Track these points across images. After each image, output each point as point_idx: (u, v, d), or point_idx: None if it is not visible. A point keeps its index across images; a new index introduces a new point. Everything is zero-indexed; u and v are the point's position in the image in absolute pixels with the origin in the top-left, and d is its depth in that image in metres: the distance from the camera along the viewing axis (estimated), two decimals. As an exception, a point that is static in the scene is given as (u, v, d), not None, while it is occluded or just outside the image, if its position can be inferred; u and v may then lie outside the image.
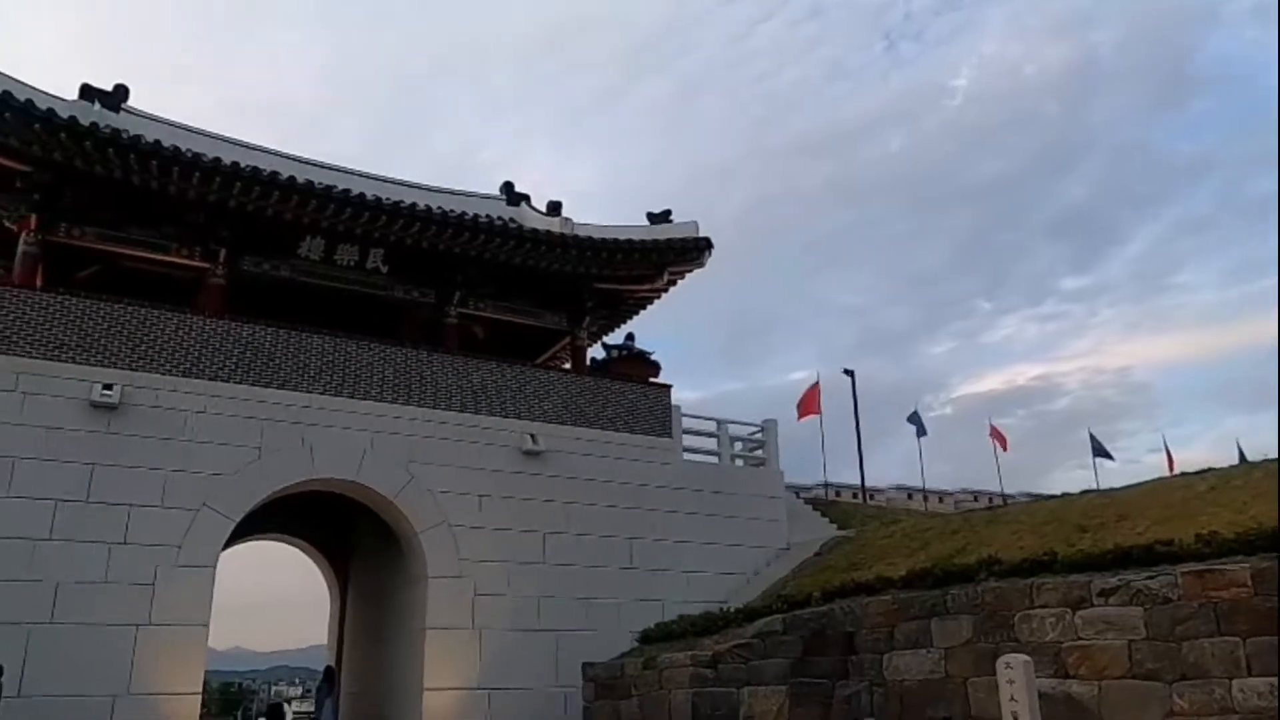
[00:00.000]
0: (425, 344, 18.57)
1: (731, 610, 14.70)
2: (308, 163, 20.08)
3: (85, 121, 15.20)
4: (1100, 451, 33.99)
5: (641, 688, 13.30)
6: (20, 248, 15.68)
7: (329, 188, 16.64)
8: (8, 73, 15.21)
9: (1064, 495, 16.19)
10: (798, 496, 23.28)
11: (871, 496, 35.85)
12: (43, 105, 14.80)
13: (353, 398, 16.66)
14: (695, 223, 20.42)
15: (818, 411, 28.47)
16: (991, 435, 33.62)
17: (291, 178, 16.46)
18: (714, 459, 20.47)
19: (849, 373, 30.00)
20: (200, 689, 14.32)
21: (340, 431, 16.33)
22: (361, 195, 17.01)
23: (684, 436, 20.09)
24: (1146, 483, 14.54)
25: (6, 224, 15.95)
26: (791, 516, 20.52)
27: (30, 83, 15.67)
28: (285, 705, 14.77)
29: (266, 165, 16.78)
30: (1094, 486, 19.76)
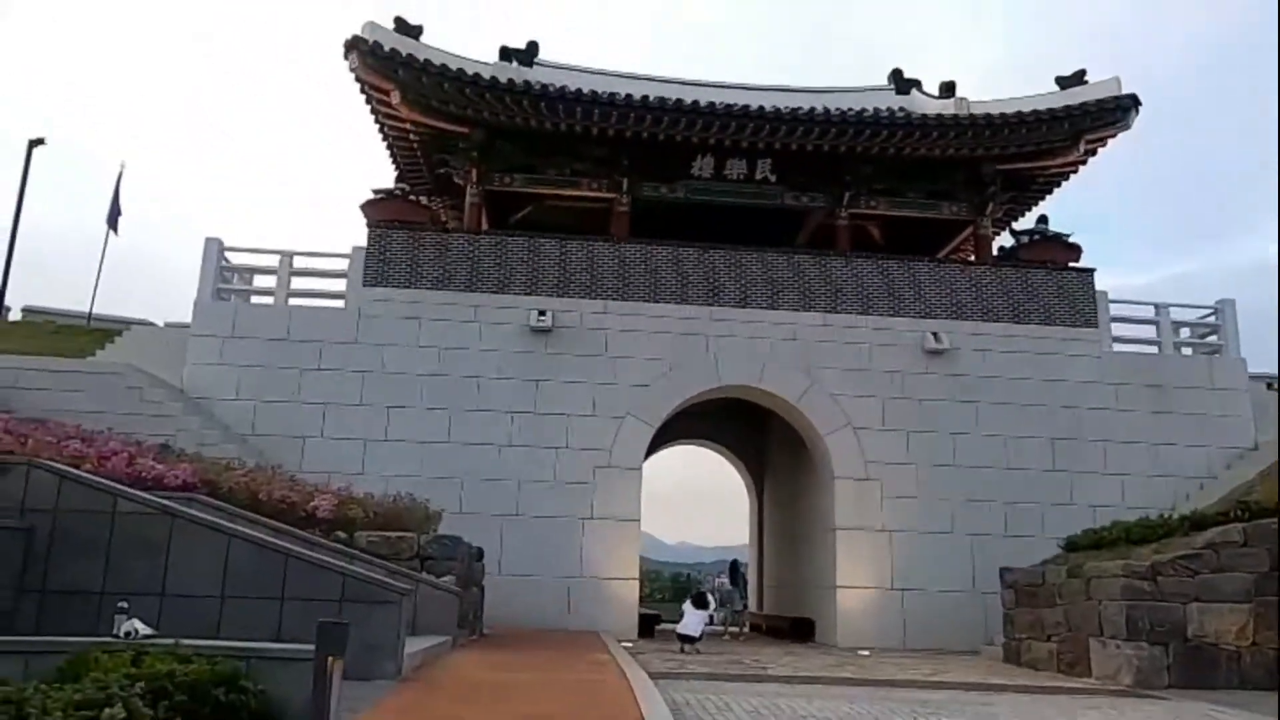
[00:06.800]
0: (817, 249, 18.54)
1: (1175, 518, 12.96)
2: (695, 84, 20.72)
3: (504, 79, 17.16)
4: None
5: (1066, 597, 12.33)
6: (467, 199, 18.30)
7: (711, 104, 17.08)
8: (436, 44, 17.51)
9: None
10: (1270, 388, 19.68)
11: (1382, 386, 29.02)
12: (470, 71, 16.96)
13: (751, 307, 17.22)
14: (1116, 79, 17.79)
15: (1297, 286, 23.64)
16: None
17: (679, 100, 17.14)
18: (1152, 349, 18.03)
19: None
20: (637, 575, 16.11)
21: (741, 341, 17.00)
22: (745, 107, 17.23)
23: (1113, 325, 17.92)
24: None
25: (456, 180, 18.68)
26: (1260, 411, 17.47)
27: (455, 50, 17.92)
28: (708, 595, 16.10)
29: (657, 93, 17.63)
30: None
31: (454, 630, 10.30)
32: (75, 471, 7.56)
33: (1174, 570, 11.19)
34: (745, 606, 19.26)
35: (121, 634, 5.18)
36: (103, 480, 7.62)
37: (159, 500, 7.46)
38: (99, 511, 7.30)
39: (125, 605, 5.79)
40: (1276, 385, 17.92)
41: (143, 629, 5.42)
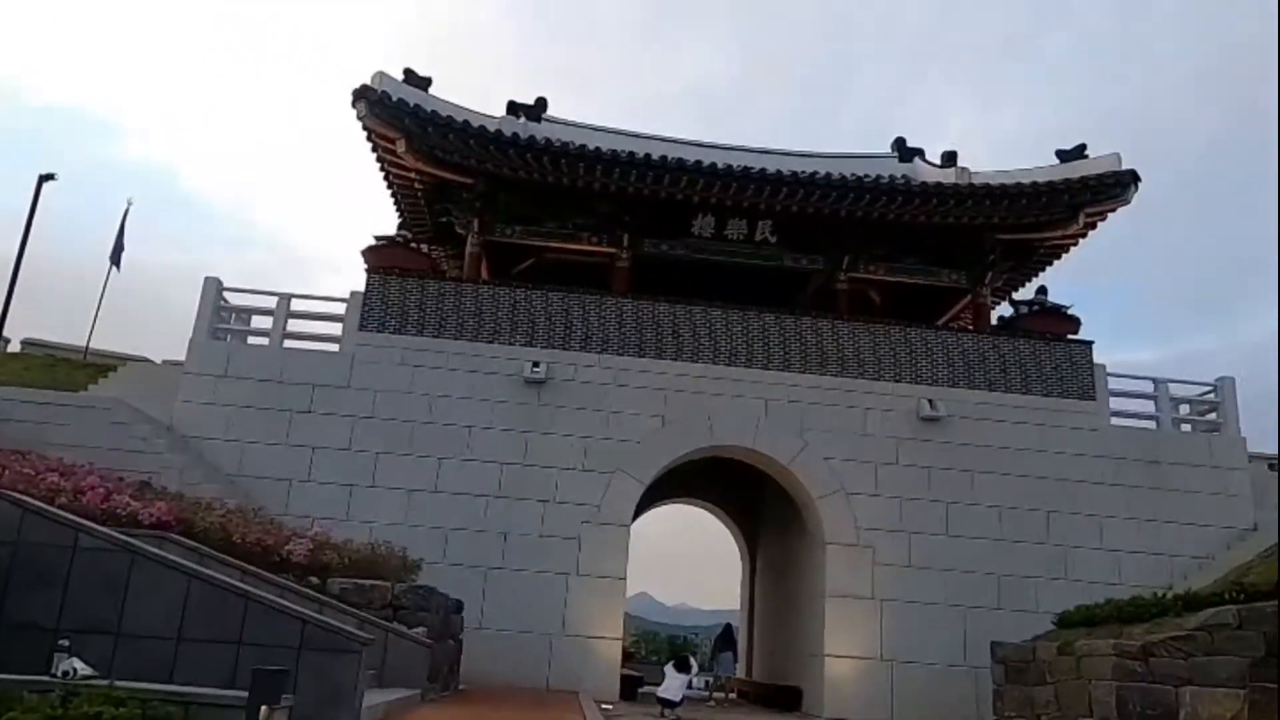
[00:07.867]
0: (816, 311, 18.51)
1: (1169, 597, 12.66)
2: (698, 144, 20.96)
3: (509, 133, 17.35)
4: None
5: (1056, 675, 12.00)
6: (468, 249, 18.39)
7: (713, 164, 17.21)
8: (446, 97, 17.77)
9: None
10: (1271, 468, 19.42)
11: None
12: (475, 124, 17.16)
13: (747, 367, 17.14)
14: (1117, 155, 17.92)
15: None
16: None
17: (681, 160, 17.28)
18: (1151, 424, 17.84)
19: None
20: (621, 634, 15.77)
21: (736, 400, 16.88)
22: (746, 169, 17.35)
23: (1111, 399, 17.77)
24: None
25: (458, 229, 18.80)
26: (1261, 491, 17.21)
27: (465, 104, 18.18)
28: (691, 658, 15.75)
29: (661, 152, 17.77)
30: None
31: (424, 684, 10.04)
32: (37, 503, 7.44)
33: (1166, 651, 10.87)
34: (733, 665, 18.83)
35: (59, 673, 5.01)
36: (65, 514, 7.49)
37: (120, 536, 7.33)
38: (60, 546, 7.16)
39: (65, 643, 5.63)
40: (1278, 465, 17.71)
41: (82, 669, 5.25)
